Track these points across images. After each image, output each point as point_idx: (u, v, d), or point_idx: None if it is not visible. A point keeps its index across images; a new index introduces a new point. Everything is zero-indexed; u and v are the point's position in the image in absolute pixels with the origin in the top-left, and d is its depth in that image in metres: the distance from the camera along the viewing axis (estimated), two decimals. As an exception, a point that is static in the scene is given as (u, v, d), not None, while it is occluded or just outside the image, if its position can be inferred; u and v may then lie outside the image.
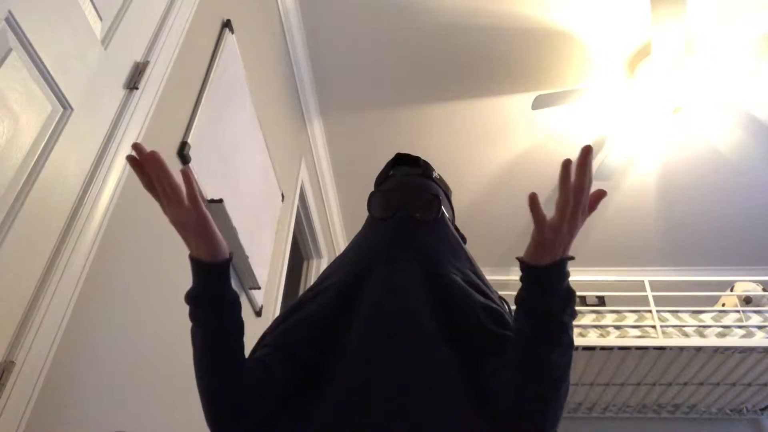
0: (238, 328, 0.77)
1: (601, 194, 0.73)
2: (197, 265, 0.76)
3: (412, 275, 0.84)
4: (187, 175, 0.74)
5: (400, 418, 0.70)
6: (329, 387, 0.75)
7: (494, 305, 0.83)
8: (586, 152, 0.70)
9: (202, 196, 0.78)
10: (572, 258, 0.72)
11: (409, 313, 0.80)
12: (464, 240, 1.01)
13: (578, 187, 0.70)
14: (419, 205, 0.93)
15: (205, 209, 0.74)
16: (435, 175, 1.01)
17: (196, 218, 0.74)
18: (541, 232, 0.71)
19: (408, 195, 0.94)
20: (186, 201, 0.73)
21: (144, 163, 0.71)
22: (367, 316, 0.80)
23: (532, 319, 0.71)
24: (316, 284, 0.91)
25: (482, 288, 0.87)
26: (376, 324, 0.79)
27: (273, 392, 0.77)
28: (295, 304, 0.88)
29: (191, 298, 0.76)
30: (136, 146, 0.73)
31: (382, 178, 1.03)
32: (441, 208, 0.94)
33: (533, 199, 0.72)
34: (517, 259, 0.75)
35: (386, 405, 0.71)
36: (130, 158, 0.73)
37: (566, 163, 0.72)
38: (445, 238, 0.93)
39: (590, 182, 0.72)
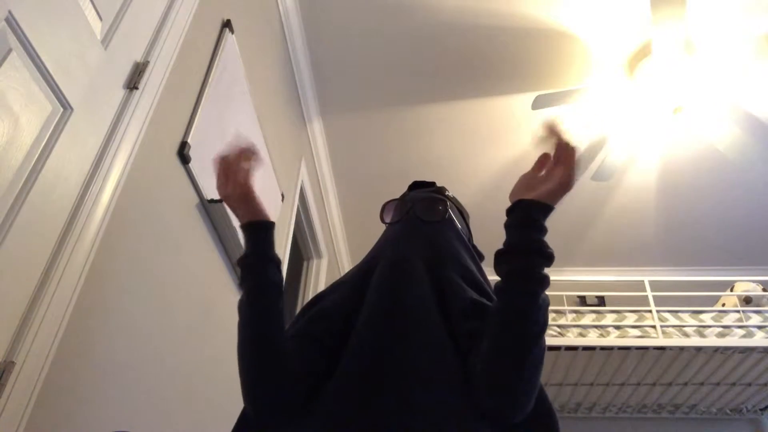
0: (280, 292, 0.82)
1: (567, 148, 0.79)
2: (246, 228, 0.84)
3: (414, 268, 0.87)
4: (252, 154, 0.88)
5: (396, 398, 0.71)
6: (336, 374, 0.76)
7: (483, 300, 0.84)
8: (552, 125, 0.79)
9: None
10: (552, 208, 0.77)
11: (409, 300, 0.82)
12: (481, 257, 1.03)
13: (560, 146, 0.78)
14: (426, 207, 0.98)
15: (252, 186, 0.86)
16: (448, 193, 1.06)
17: (242, 193, 0.85)
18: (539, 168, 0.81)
19: (417, 201, 1.00)
20: (240, 178, 0.86)
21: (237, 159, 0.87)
22: (370, 304, 0.83)
23: (508, 262, 0.73)
24: (337, 282, 0.96)
25: (482, 286, 0.88)
26: (377, 311, 0.81)
27: (310, 374, 0.78)
28: (314, 299, 0.92)
29: (242, 258, 0.83)
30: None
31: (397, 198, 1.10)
32: (447, 210, 0.98)
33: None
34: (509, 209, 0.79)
35: (384, 386, 0.72)
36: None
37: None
38: (450, 240, 0.95)
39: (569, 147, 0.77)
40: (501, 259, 0.75)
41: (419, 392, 0.71)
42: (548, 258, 0.72)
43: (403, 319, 0.79)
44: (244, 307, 0.80)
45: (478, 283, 0.88)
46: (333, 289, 0.92)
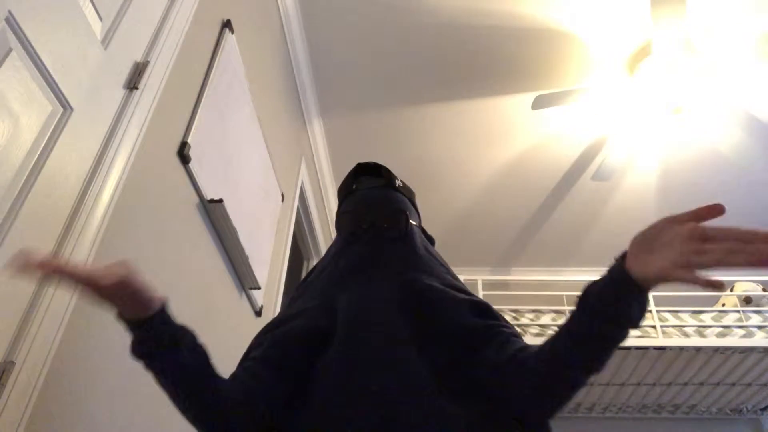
0: (201, 358, 0.76)
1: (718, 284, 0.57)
2: (135, 324, 0.70)
3: (388, 289, 0.86)
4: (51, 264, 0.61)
5: (377, 417, 0.72)
6: (311, 398, 0.76)
7: (478, 299, 0.86)
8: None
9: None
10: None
11: (382, 323, 0.81)
12: (432, 242, 1.03)
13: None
14: (387, 221, 0.94)
15: (124, 277, 0.65)
16: (398, 183, 1.02)
17: (121, 287, 0.65)
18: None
19: (374, 211, 0.95)
20: (101, 281, 0.63)
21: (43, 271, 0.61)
22: (344, 330, 0.81)
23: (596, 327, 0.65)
24: (293, 300, 0.94)
25: (463, 287, 0.90)
26: (352, 337, 0.80)
27: (263, 397, 0.77)
28: (276, 321, 0.90)
29: (140, 355, 0.70)
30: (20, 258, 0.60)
31: (346, 191, 1.04)
32: (409, 221, 0.96)
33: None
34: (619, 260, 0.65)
35: (365, 409, 0.73)
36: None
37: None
38: (417, 250, 0.95)
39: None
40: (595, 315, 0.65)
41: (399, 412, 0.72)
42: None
43: (375, 352, 0.78)
44: (167, 385, 0.75)
45: (457, 285, 0.90)
46: (298, 311, 0.89)
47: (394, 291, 0.85)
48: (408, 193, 1.03)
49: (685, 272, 0.55)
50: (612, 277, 0.64)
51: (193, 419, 0.76)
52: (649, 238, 0.61)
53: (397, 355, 0.77)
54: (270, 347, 0.84)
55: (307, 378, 0.79)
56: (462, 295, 0.86)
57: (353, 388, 0.74)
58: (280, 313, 0.94)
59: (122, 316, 0.70)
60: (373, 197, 0.98)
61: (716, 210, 0.54)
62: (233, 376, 0.81)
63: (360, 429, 0.71)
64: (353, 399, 0.73)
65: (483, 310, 0.84)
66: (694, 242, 0.55)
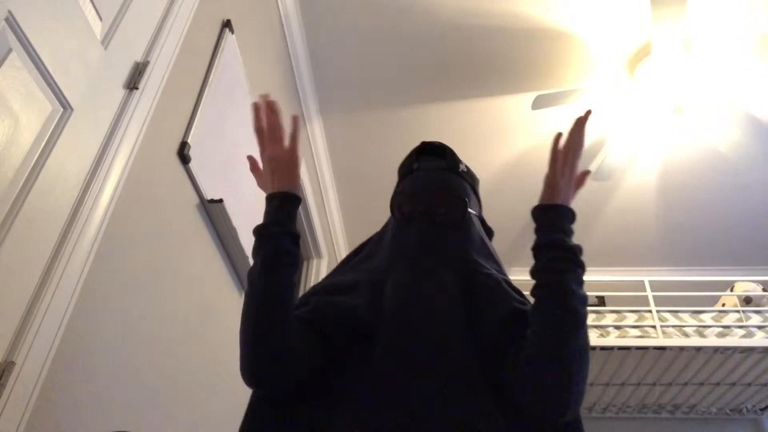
0: (295, 264, 0.81)
1: (585, 173, 0.86)
2: (279, 197, 0.84)
3: (442, 280, 0.82)
4: (296, 121, 0.92)
5: (420, 418, 0.69)
6: (355, 386, 0.73)
7: (523, 307, 0.81)
8: (582, 120, 0.84)
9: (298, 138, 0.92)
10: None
11: (437, 315, 0.78)
12: (491, 234, 0.99)
13: (569, 144, 0.84)
14: (444, 207, 0.89)
15: (299, 151, 0.89)
16: (462, 167, 0.97)
17: (291, 156, 0.89)
18: (553, 173, 0.83)
19: (433, 196, 0.90)
20: (286, 141, 0.90)
21: (266, 111, 0.91)
22: (394, 321, 0.78)
23: (546, 263, 0.77)
24: (340, 271, 0.93)
25: (515, 286, 0.87)
26: (403, 329, 0.77)
27: (309, 357, 0.77)
28: (325, 286, 0.89)
29: (263, 226, 0.83)
30: (263, 99, 0.94)
31: (406, 170, 0.98)
32: (467, 210, 0.91)
33: (556, 138, 0.85)
34: (533, 210, 0.83)
35: (408, 407, 0.70)
36: (255, 105, 0.93)
37: (557, 135, 0.85)
38: (473, 240, 0.90)
39: (581, 144, 0.85)
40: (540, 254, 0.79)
41: (446, 404, 0.70)
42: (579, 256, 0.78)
43: (427, 348, 0.75)
44: (257, 276, 0.78)
45: (510, 282, 0.88)
46: (345, 287, 0.86)
47: (451, 283, 0.81)
48: (471, 180, 0.98)
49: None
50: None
51: (255, 333, 0.75)
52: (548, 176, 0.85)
53: (447, 356, 0.75)
54: (315, 311, 0.81)
55: (346, 358, 0.77)
56: (514, 295, 0.83)
57: (395, 389, 0.72)
58: (328, 277, 0.93)
59: (274, 189, 0.87)
60: (433, 180, 0.92)
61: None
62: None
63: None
64: (394, 400, 0.71)
65: (512, 320, 0.79)
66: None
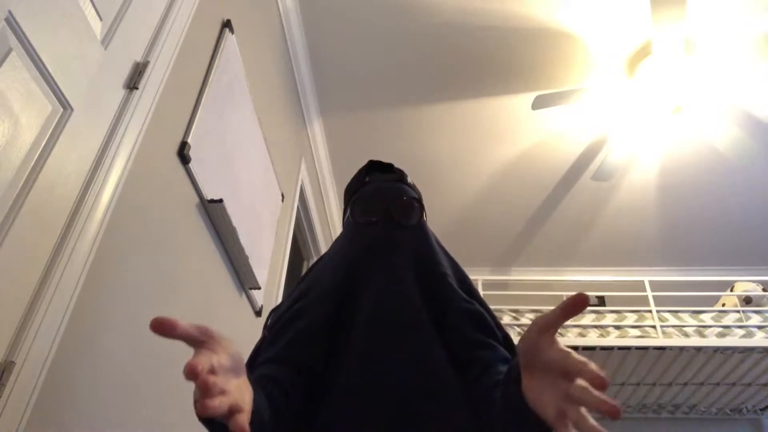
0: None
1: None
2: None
3: (406, 278, 0.86)
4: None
5: (402, 420, 0.72)
6: (332, 395, 0.76)
7: (476, 307, 0.86)
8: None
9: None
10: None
11: (408, 316, 0.82)
12: None
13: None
14: (403, 210, 0.94)
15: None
16: (409, 180, 1.02)
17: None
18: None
19: (390, 199, 0.95)
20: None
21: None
22: (366, 322, 0.81)
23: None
24: (304, 292, 0.91)
25: (468, 287, 0.91)
26: (377, 329, 0.80)
27: (292, 410, 0.75)
28: (288, 315, 0.87)
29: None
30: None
31: (357, 185, 1.03)
32: (423, 211, 0.97)
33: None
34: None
35: (389, 408, 0.73)
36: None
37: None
38: (430, 240, 0.96)
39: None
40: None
41: (424, 404, 0.73)
42: None
43: (402, 340, 0.79)
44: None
45: (464, 281, 0.92)
46: (309, 303, 0.86)
47: (412, 281, 0.86)
48: (418, 193, 1.03)
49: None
50: (511, 402, 0.57)
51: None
52: (531, 354, 0.53)
53: (419, 348, 0.78)
54: (285, 348, 0.81)
55: (324, 376, 0.79)
56: (463, 296, 0.87)
57: (373, 381, 0.75)
58: (290, 299, 0.91)
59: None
60: (387, 188, 0.97)
61: (580, 300, 0.48)
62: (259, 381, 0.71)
63: (379, 424, 0.72)
64: (372, 393, 0.74)
65: (476, 319, 0.84)
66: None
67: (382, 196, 0.95)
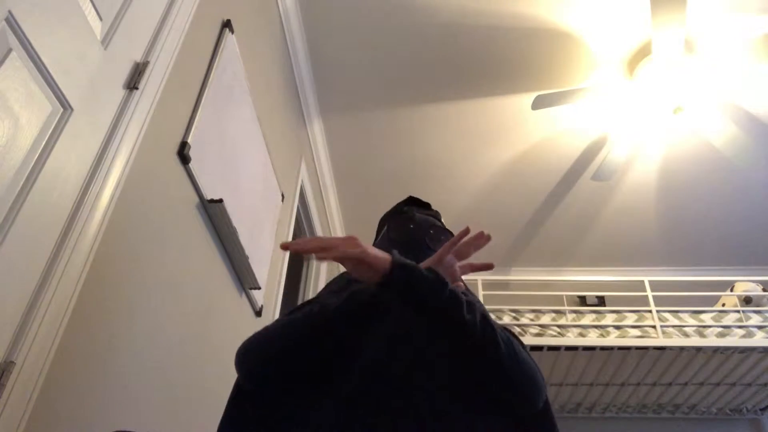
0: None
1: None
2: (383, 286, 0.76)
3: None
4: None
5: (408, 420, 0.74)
6: (336, 393, 0.76)
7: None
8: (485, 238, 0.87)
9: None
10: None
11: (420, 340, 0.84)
12: None
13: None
14: (436, 236, 1.04)
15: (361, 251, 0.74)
16: (442, 221, 1.13)
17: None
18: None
19: (428, 228, 1.06)
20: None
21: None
22: (383, 331, 0.82)
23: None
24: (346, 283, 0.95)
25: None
26: (389, 338, 0.81)
27: (301, 363, 0.80)
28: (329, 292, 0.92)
29: (365, 295, 0.77)
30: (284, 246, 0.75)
31: (395, 211, 1.13)
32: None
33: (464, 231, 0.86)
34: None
35: (390, 410, 0.74)
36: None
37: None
38: None
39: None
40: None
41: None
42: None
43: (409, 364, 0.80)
44: (325, 317, 0.79)
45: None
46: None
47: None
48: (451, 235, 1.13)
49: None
50: None
51: (288, 342, 0.80)
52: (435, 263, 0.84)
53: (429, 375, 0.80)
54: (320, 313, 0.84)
55: (331, 367, 0.79)
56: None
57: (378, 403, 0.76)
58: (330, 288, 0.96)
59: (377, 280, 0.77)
60: (426, 218, 1.08)
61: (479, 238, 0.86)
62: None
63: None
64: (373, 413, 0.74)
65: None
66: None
67: (420, 224, 1.06)
